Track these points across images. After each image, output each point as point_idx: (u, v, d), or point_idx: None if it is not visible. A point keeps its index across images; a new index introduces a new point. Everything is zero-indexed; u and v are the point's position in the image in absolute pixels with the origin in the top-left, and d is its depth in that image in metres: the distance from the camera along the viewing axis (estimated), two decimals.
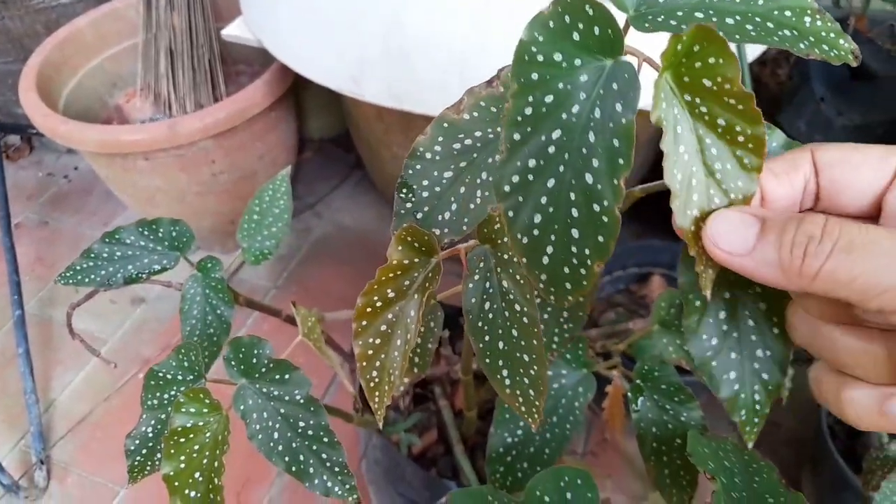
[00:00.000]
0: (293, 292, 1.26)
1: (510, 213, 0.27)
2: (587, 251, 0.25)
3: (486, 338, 0.35)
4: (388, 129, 1.04)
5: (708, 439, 0.45)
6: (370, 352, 0.35)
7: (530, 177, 0.26)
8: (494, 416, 0.50)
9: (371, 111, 1.04)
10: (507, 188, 0.26)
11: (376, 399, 0.35)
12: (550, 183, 0.25)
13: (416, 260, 0.34)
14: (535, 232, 0.26)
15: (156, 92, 1.22)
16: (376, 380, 0.35)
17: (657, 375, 0.47)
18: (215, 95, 1.24)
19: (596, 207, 0.24)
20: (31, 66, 1.17)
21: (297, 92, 1.24)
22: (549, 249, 0.26)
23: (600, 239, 0.25)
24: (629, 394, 0.47)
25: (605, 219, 0.24)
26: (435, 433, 0.83)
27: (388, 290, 0.34)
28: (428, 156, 0.37)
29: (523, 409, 0.34)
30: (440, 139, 0.36)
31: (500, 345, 0.34)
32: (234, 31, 0.99)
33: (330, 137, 1.59)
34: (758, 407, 0.34)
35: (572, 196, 0.25)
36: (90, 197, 1.52)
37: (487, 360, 0.35)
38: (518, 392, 0.34)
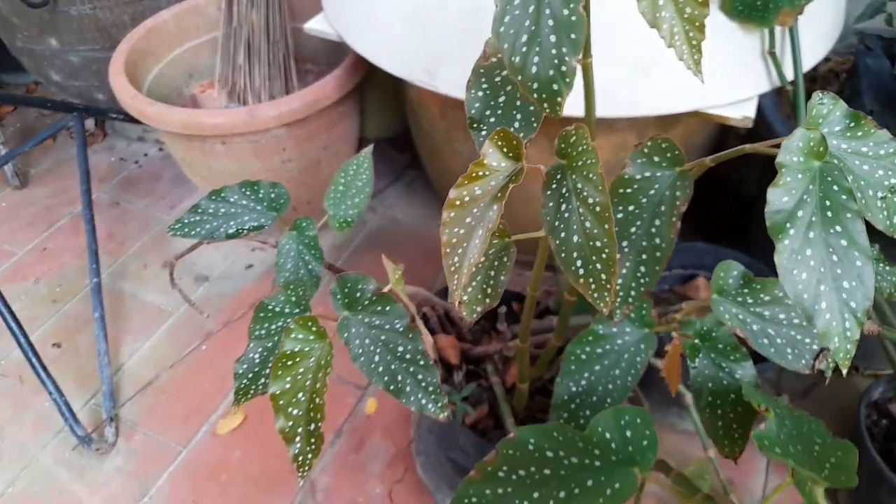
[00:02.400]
0: None
1: (505, 46, 0.39)
2: (564, 49, 0.37)
3: (563, 234, 0.41)
4: (450, 126, 1.11)
5: (761, 392, 0.50)
6: (454, 240, 0.41)
7: (516, 12, 0.39)
8: (561, 369, 0.55)
9: (435, 109, 1.10)
10: (501, 29, 0.39)
11: (455, 282, 0.41)
12: (530, 9, 0.38)
13: (503, 164, 0.41)
14: (524, 49, 0.38)
15: (232, 83, 1.30)
16: (457, 265, 0.41)
17: (715, 335, 0.52)
18: (287, 89, 1.32)
19: (565, 12, 0.37)
20: (120, 52, 1.26)
21: (360, 93, 1.32)
22: (536, 59, 0.38)
23: (573, 36, 0.37)
24: (687, 352, 0.52)
25: (574, 18, 0.37)
26: (486, 407, 0.88)
27: (476, 188, 0.40)
28: (480, 94, 0.47)
29: (595, 294, 0.40)
30: (482, 81, 0.49)
31: (575, 238, 0.40)
32: (315, 25, 1.07)
33: (385, 138, 1.67)
34: (848, 333, 0.39)
35: (546, 12, 0.38)
36: (159, 182, 1.62)
37: (563, 255, 0.41)
38: (591, 279, 0.40)
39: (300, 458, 0.50)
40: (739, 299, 0.54)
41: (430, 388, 0.47)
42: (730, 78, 0.81)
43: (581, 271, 0.43)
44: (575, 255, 0.43)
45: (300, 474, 0.51)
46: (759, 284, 0.53)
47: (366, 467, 1.05)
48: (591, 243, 0.42)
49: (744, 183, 1.31)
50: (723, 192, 1.35)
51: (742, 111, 0.81)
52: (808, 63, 0.86)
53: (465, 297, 0.55)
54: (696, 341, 0.51)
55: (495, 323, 0.96)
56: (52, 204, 1.57)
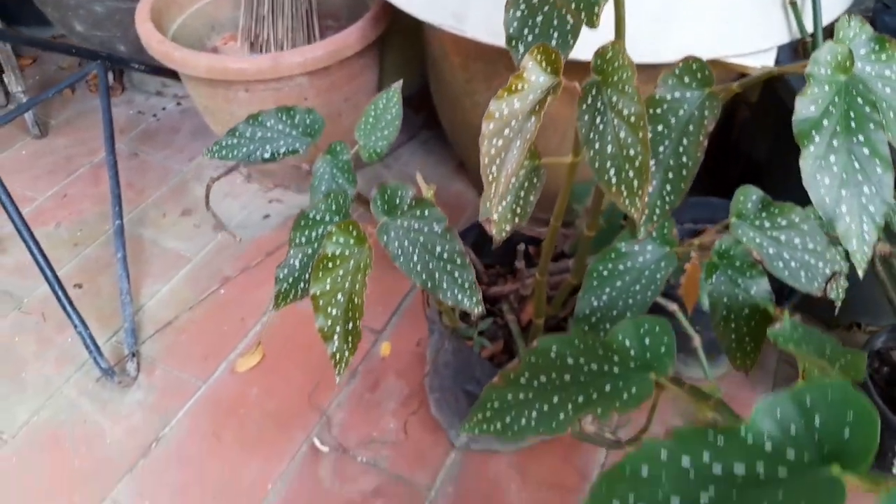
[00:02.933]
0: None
1: None
2: None
3: (597, 145, 0.43)
4: (471, 78, 1.13)
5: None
6: (493, 151, 0.43)
7: None
8: (584, 285, 0.58)
9: (457, 60, 1.12)
10: None
11: (492, 192, 0.43)
12: None
13: (542, 78, 0.43)
14: None
15: (255, 35, 1.32)
16: (495, 174, 0.43)
17: (732, 254, 0.54)
18: (309, 42, 1.34)
19: None
20: (146, 1, 1.28)
21: (380, 47, 1.33)
22: None
23: None
24: (705, 270, 0.54)
25: None
26: (502, 343, 0.91)
27: (515, 101, 0.43)
28: (518, 13, 0.49)
29: (627, 201, 0.42)
30: (520, 2, 0.52)
31: (609, 148, 0.43)
32: None
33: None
34: (866, 236, 0.42)
35: None
36: (177, 135, 1.64)
37: (597, 165, 0.44)
38: (623, 187, 0.43)
39: (337, 356, 0.53)
40: (757, 223, 0.57)
41: (466, 285, 0.50)
42: (751, 26, 0.83)
43: (614, 179, 0.45)
44: (609, 164, 0.45)
45: (337, 372, 0.54)
46: (776, 209, 0.56)
47: (381, 405, 1.08)
48: (624, 152, 0.45)
49: (756, 149, 1.33)
50: (735, 156, 1.37)
51: (762, 61, 0.83)
52: (827, 17, 0.88)
53: (495, 216, 0.58)
54: (715, 259, 0.54)
55: (512, 268, 0.99)
56: (72, 154, 1.59)
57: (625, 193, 0.45)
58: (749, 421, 0.33)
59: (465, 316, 0.93)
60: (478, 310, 0.49)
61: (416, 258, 0.51)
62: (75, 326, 1.10)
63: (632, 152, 0.44)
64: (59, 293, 1.10)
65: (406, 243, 0.51)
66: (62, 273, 1.30)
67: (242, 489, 0.99)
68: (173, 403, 1.09)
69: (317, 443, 1.04)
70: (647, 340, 0.51)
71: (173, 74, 1.30)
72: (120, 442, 1.04)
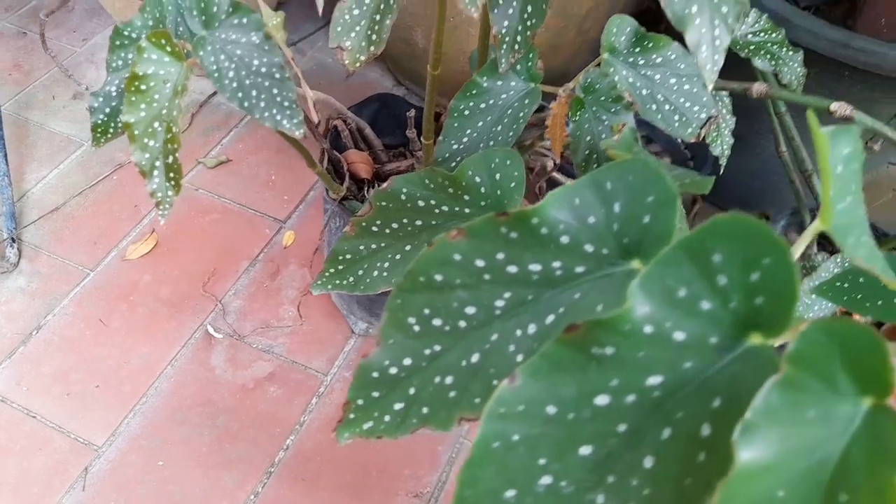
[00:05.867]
0: None
1: None
2: None
3: None
4: None
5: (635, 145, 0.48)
6: None
7: None
8: (444, 127, 0.53)
9: None
10: None
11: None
12: None
13: None
14: None
15: None
16: None
17: (598, 87, 0.50)
18: None
19: None
20: None
21: None
22: None
23: None
24: (570, 108, 0.50)
25: None
26: None
27: None
28: None
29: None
30: None
31: None
32: None
33: None
34: (717, 41, 0.37)
35: None
36: (71, 15, 1.49)
37: None
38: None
39: (159, 195, 0.47)
40: (631, 59, 0.52)
41: (286, 104, 0.44)
42: None
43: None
44: None
45: (161, 212, 0.48)
46: (651, 42, 0.52)
47: (280, 293, 1.04)
48: None
49: None
50: None
51: None
52: None
53: (348, 44, 0.52)
54: (580, 94, 0.50)
55: (406, 145, 0.94)
56: None
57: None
58: (539, 208, 0.29)
59: (360, 188, 0.88)
60: (298, 132, 0.44)
61: (231, 73, 0.45)
62: None
63: None
64: None
65: (222, 58, 0.45)
66: None
67: (129, 374, 0.95)
68: (58, 290, 1.03)
69: (210, 329, 1.00)
70: (497, 175, 0.47)
71: None
72: None
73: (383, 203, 0.52)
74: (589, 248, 0.30)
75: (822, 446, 0.22)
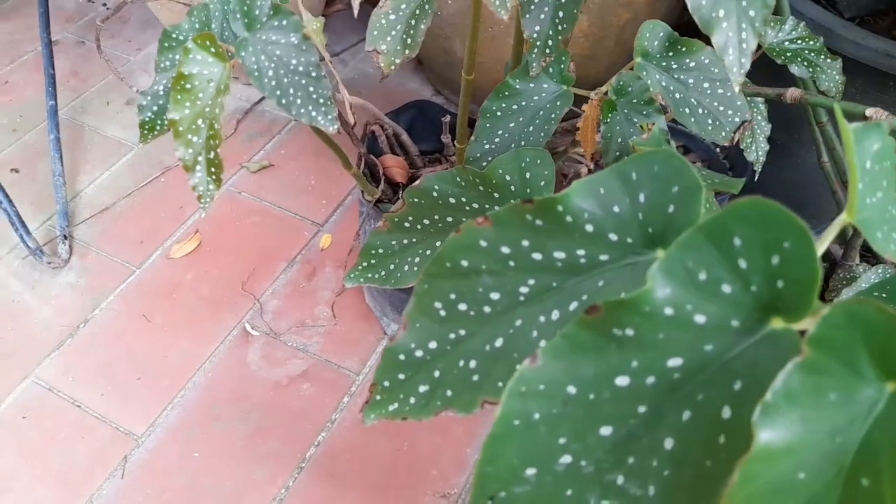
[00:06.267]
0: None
1: None
2: None
3: None
4: None
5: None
6: None
7: None
8: (476, 127, 0.54)
9: None
10: None
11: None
12: None
13: None
14: None
15: None
16: None
17: (630, 90, 0.50)
18: None
19: None
20: None
21: None
22: None
23: None
24: (602, 110, 0.51)
25: None
26: None
27: None
28: None
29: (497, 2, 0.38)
30: None
31: None
32: None
33: None
34: (744, 45, 0.38)
35: None
36: (126, 25, 1.56)
37: None
38: None
39: (200, 189, 0.49)
40: (664, 63, 0.53)
41: (321, 101, 0.46)
42: None
43: None
44: None
45: (202, 205, 0.50)
46: (684, 46, 0.52)
47: (316, 294, 1.06)
48: None
49: None
50: None
51: None
52: None
53: (384, 48, 0.54)
54: (612, 96, 0.50)
55: (442, 151, 0.95)
56: (16, 40, 1.52)
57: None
58: (564, 196, 0.30)
59: (395, 192, 0.89)
60: (332, 128, 0.46)
61: (270, 73, 0.46)
62: (0, 204, 1.06)
63: None
64: None
65: (263, 58, 0.47)
66: None
67: (169, 368, 0.98)
68: (105, 286, 1.07)
69: (248, 327, 1.02)
70: (527, 174, 0.48)
71: None
72: (47, 321, 1.03)
73: (416, 199, 0.53)
74: (613, 236, 0.30)
75: (843, 430, 0.22)
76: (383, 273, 0.55)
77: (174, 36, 0.52)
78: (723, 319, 0.24)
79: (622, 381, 0.24)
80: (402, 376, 0.34)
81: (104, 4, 1.62)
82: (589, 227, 0.30)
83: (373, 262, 0.56)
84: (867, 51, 0.81)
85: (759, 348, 0.24)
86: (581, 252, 0.31)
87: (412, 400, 0.34)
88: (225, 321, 1.03)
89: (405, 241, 0.54)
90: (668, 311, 0.24)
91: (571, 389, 0.25)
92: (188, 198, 1.19)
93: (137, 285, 1.07)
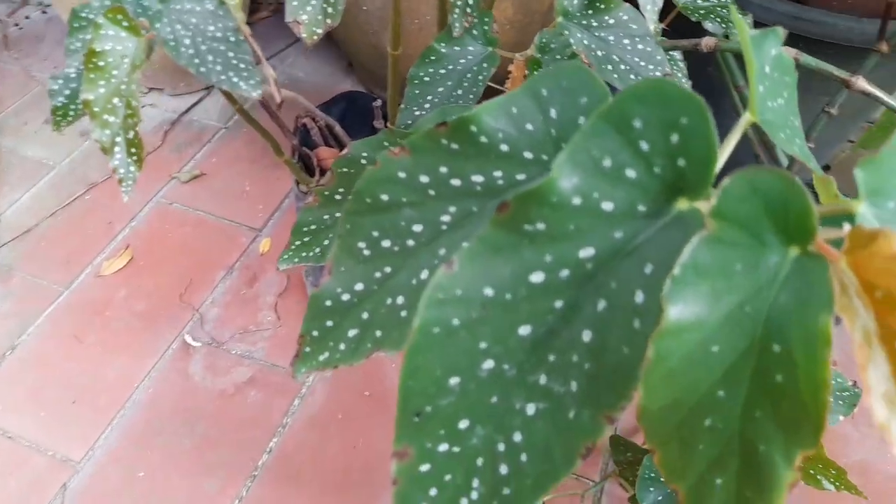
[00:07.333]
0: (243, 132, 1.28)
1: None
2: None
3: None
4: None
5: None
6: None
7: None
8: (405, 95, 0.54)
9: None
10: None
11: None
12: None
13: None
14: None
15: None
16: None
17: (553, 47, 0.51)
18: None
19: None
20: None
21: None
22: None
23: None
24: (528, 69, 0.51)
25: None
26: None
27: None
28: None
29: None
30: None
31: None
32: None
33: None
34: None
35: None
36: (41, 44, 1.51)
37: None
38: None
39: (122, 171, 0.47)
40: (584, 22, 0.54)
41: (242, 66, 0.45)
42: None
43: None
44: None
45: (124, 189, 0.48)
46: (602, 3, 0.53)
47: (258, 299, 1.04)
48: None
49: None
50: None
51: None
52: None
53: (304, 17, 0.53)
54: (537, 55, 0.51)
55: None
56: None
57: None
58: (475, 115, 0.30)
59: None
60: (255, 93, 0.45)
61: (187, 41, 0.45)
62: None
63: None
64: None
65: (178, 27, 0.46)
66: None
67: (106, 388, 0.93)
68: (32, 309, 1.02)
69: (188, 339, 0.99)
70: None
71: None
72: None
73: (345, 169, 0.52)
74: (529, 154, 0.30)
75: (752, 299, 0.22)
76: (318, 250, 0.54)
77: (83, 15, 0.50)
78: (630, 205, 0.24)
79: (537, 277, 0.24)
80: (329, 323, 0.33)
81: (17, 25, 1.55)
82: (504, 147, 0.30)
83: (306, 239, 0.54)
84: (776, 14, 0.85)
85: (667, 230, 0.24)
86: (498, 173, 0.30)
87: (342, 346, 0.33)
88: (163, 335, 0.99)
89: (337, 215, 0.53)
90: (576, 200, 0.24)
91: (489, 292, 0.24)
92: (117, 213, 1.15)
93: (66, 306, 1.02)
